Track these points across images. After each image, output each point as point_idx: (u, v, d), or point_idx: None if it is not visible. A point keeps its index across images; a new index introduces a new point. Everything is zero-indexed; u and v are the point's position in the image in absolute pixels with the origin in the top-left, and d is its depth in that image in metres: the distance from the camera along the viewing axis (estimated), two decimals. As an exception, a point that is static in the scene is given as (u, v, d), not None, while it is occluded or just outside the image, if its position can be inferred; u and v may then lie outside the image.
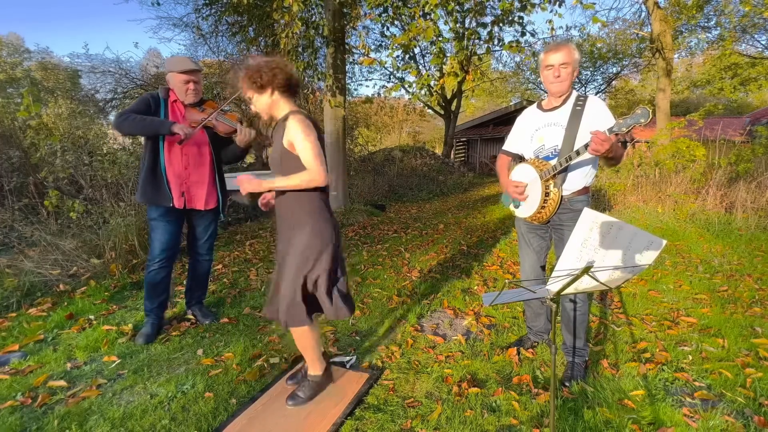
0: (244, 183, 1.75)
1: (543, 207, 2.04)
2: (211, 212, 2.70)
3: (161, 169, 2.46)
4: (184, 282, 2.94)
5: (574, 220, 2.02)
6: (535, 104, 2.21)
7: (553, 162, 2.01)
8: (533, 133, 2.13)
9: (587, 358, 2.23)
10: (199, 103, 2.57)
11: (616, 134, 1.75)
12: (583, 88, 21.94)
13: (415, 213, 7.81)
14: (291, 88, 1.76)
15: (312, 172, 1.67)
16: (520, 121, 2.25)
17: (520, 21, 5.61)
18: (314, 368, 1.99)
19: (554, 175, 2.00)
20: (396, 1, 5.17)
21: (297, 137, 1.67)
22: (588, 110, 1.96)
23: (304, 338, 1.90)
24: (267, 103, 1.75)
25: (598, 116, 1.93)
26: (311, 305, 1.84)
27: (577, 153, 1.89)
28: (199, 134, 2.53)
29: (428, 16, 4.79)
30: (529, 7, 5.25)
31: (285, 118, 1.73)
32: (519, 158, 2.29)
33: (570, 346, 2.20)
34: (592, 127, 1.91)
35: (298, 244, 1.77)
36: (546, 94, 2.18)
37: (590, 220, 1.22)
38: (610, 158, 1.86)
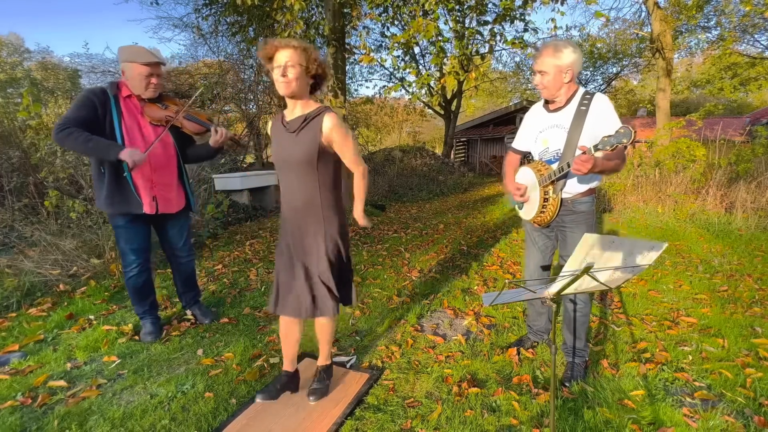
0: (362, 219, 1.89)
1: (542, 212, 2.04)
2: (183, 213, 2.60)
3: (126, 175, 2.25)
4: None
5: (577, 221, 2.03)
6: (542, 102, 2.13)
7: (554, 166, 1.99)
8: (537, 135, 2.09)
9: (587, 359, 2.23)
10: (158, 99, 2.36)
11: (602, 151, 1.71)
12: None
13: (415, 213, 7.81)
14: (319, 84, 1.81)
15: (363, 169, 1.81)
16: (527, 119, 2.20)
17: (523, 18, 5.61)
18: (329, 359, 2.08)
19: (553, 182, 1.97)
20: (396, 0, 5.18)
21: (340, 134, 1.73)
22: (592, 112, 1.88)
23: (331, 327, 1.99)
24: (305, 88, 1.73)
25: (602, 120, 1.87)
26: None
27: (568, 165, 1.85)
28: (164, 134, 2.37)
29: (428, 15, 4.79)
30: (530, 1, 5.24)
31: (319, 114, 1.73)
32: (527, 156, 2.27)
33: (570, 346, 2.20)
34: (595, 131, 1.87)
35: (330, 236, 1.81)
36: None
37: (589, 243, 1.22)
38: (599, 173, 1.81)
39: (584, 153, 1.73)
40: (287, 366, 2.02)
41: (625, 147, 1.70)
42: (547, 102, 2.08)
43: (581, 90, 1.97)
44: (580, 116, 1.90)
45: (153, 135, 2.33)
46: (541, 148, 2.08)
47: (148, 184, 2.35)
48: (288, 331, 1.96)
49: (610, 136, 1.68)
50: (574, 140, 1.90)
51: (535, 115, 2.15)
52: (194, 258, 2.81)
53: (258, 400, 1.91)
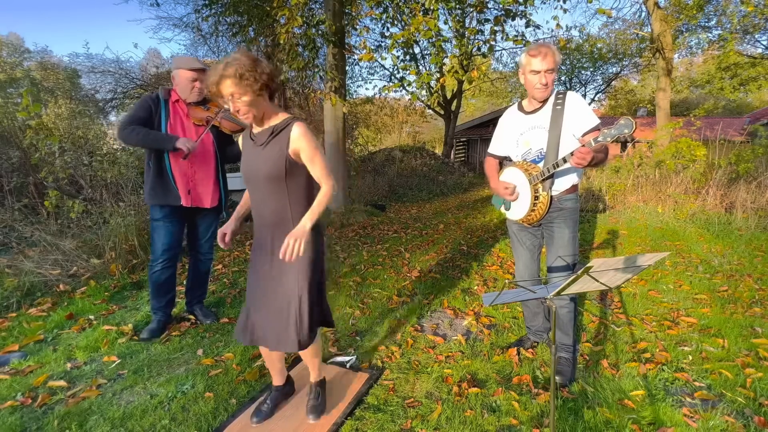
0: (299, 239, 1.50)
1: (533, 210, 2.07)
2: (213, 211, 2.72)
3: (167, 169, 2.48)
4: (184, 282, 2.93)
5: (563, 217, 2.08)
6: (515, 105, 2.20)
7: (541, 165, 2.03)
8: (518, 137, 2.14)
9: (575, 355, 2.23)
10: (202, 102, 2.60)
11: (603, 143, 1.77)
12: (583, 88, 21.95)
13: (415, 213, 7.81)
14: (275, 90, 1.65)
15: (329, 188, 1.62)
16: (504, 124, 2.24)
17: (524, 14, 5.62)
18: (319, 374, 1.92)
19: (542, 180, 2.01)
20: (397, -1, 5.19)
21: (308, 147, 1.59)
22: (568, 109, 1.97)
23: (314, 349, 1.79)
24: (263, 105, 1.59)
25: (579, 116, 1.95)
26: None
27: (564, 160, 1.89)
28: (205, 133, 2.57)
29: (429, 13, 4.79)
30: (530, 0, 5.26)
31: (286, 125, 1.60)
32: (507, 159, 2.30)
33: (559, 342, 2.21)
34: (573, 127, 1.96)
35: (305, 255, 1.61)
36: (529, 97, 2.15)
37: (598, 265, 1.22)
38: (592, 165, 1.87)
39: (583, 146, 1.77)
40: (276, 381, 1.93)
41: (629, 143, 1.75)
42: (521, 104, 2.15)
43: (553, 90, 2.05)
44: (558, 115, 1.98)
45: (194, 134, 2.54)
46: (523, 150, 2.12)
47: (185, 178, 2.53)
48: (268, 353, 1.83)
49: (610, 127, 1.73)
50: (555, 138, 1.98)
51: (512, 119, 2.19)
52: (213, 258, 2.90)
53: (253, 424, 1.81)
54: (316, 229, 1.66)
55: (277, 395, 1.93)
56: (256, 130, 1.68)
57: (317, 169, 1.64)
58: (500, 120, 2.28)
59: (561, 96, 2.01)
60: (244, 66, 1.48)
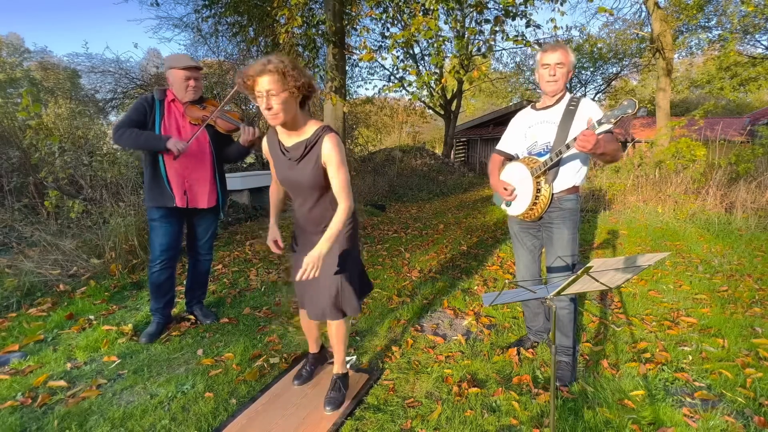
0: (315, 264, 1.57)
1: (534, 204, 2.06)
2: (212, 211, 2.71)
3: (161, 170, 2.46)
4: (184, 282, 2.93)
5: (563, 218, 2.08)
6: (529, 106, 2.24)
7: (544, 158, 2.02)
8: (526, 130, 2.16)
9: (576, 356, 2.22)
10: (199, 101, 2.57)
11: (607, 125, 1.78)
12: (583, 89, 21.94)
13: (415, 213, 7.81)
14: (309, 97, 1.66)
15: (348, 206, 1.67)
16: (514, 121, 2.27)
17: (524, 14, 5.63)
18: (343, 366, 2.04)
19: (545, 171, 2.01)
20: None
21: (334, 161, 1.64)
22: (581, 111, 1.98)
23: (344, 330, 1.95)
24: (295, 111, 1.60)
25: (591, 115, 1.94)
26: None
27: (567, 147, 1.89)
28: (200, 132, 2.54)
29: (429, 14, 4.79)
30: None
31: (319, 134, 1.64)
32: (512, 158, 2.31)
33: (559, 344, 2.21)
34: (584, 124, 1.94)
35: (341, 242, 1.79)
36: (542, 96, 2.19)
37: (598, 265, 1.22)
38: (601, 154, 1.86)
39: (588, 128, 1.77)
40: (312, 348, 2.18)
41: (629, 143, 1.74)
42: (535, 104, 2.18)
43: (569, 94, 2.08)
44: (569, 114, 1.99)
45: (191, 134, 2.51)
46: (530, 143, 2.14)
47: (180, 179, 2.50)
48: (307, 323, 2.09)
49: (614, 108, 1.74)
50: (563, 134, 1.98)
51: (523, 115, 2.23)
52: (212, 258, 2.90)
53: (295, 386, 2.08)
54: (353, 224, 1.83)
55: (314, 360, 2.19)
56: (286, 142, 1.70)
57: (337, 184, 1.67)
58: (512, 119, 2.30)
59: (576, 100, 2.02)
60: (287, 65, 1.51)
